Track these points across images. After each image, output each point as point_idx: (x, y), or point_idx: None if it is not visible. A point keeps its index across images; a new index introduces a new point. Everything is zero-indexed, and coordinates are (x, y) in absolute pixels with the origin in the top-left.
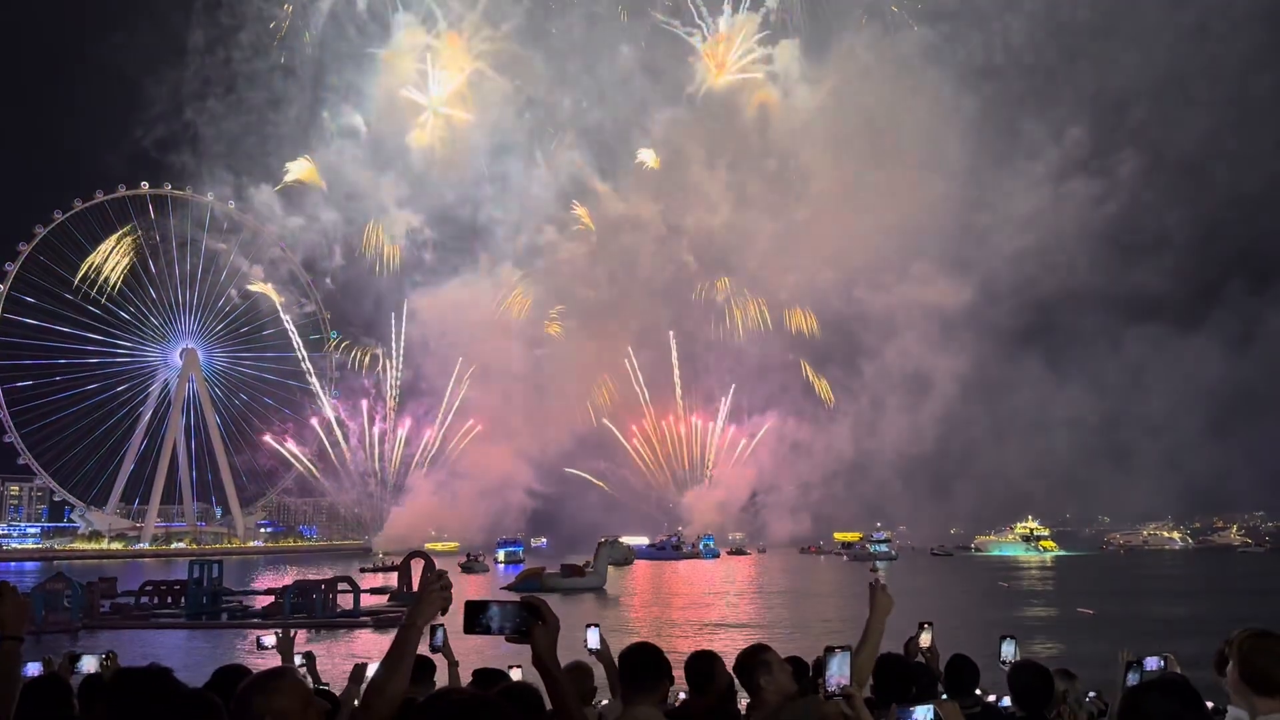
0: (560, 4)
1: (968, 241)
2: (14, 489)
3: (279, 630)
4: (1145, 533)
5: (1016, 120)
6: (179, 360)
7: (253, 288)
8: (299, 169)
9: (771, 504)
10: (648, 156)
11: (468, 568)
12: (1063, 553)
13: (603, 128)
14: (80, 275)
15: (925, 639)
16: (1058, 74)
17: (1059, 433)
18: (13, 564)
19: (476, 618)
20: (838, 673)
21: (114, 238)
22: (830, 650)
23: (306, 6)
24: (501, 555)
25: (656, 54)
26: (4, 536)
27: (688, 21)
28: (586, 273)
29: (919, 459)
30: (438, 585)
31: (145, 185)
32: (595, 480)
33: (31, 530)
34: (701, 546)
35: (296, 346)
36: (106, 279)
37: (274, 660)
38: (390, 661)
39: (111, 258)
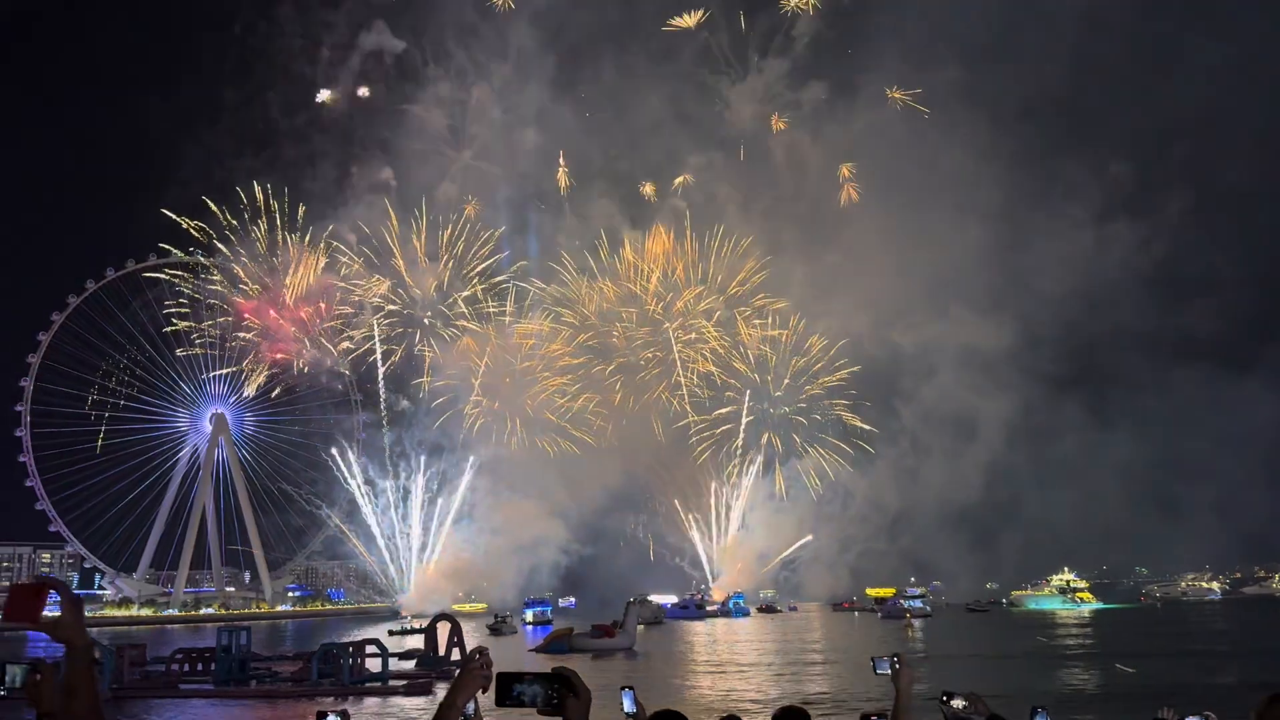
0: (590, 54)
1: (1008, 284)
2: (45, 555)
3: None
4: (1183, 584)
5: (1057, 159)
6: (208, 425)
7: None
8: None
9: (809, 559)
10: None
11: (495, 629)
12: (1100, 605)
13: (633, 176)
14: (112, 344)
15: (958, 703)
16: (1099, 111)
17: (1103, 480)
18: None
19: (509, 690)
20: None
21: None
22: (866, 718)
23: (337, 62)
24: (530, 615)
25: (686, 102)
26: None
27: (716, 69)
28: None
29: (961, 509)
30: (478, 664)
31: (176, 252)
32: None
33: None
34: (731, 605)
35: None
36: (138, 347)
37: None
38: None
39: (142, 326)
